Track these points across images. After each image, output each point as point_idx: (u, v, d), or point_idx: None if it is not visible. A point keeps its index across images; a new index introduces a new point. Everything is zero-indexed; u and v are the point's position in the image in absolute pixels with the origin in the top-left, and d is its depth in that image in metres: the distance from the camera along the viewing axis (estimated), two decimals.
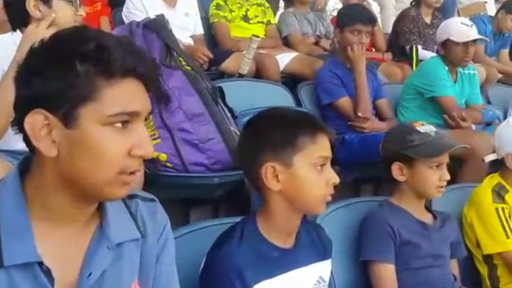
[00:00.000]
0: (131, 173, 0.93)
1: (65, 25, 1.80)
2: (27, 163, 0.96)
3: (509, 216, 2.11)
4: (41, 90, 0.88)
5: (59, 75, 0.88)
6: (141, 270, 1.06)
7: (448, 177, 1.89)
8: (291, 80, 3.58)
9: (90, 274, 0.96)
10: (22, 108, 0.90)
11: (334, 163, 1.47)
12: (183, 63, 2.38)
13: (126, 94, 0.91)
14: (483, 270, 2.16)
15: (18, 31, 2.05)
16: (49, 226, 0.94)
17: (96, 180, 0.91)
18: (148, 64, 0.94)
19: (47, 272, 0.92)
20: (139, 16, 3.12)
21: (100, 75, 0.89)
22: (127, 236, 1.03)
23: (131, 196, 1.07)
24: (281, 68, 3.63)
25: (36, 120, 0.89)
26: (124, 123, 0.91)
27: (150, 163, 2.09)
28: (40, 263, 0.91)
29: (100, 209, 1.01)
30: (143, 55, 0.94)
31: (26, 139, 0.92)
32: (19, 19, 2.05)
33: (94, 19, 3.62)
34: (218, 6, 3.83)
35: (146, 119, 0.96)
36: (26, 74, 0.91)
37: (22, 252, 0.90)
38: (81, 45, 0.89)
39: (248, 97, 2.87)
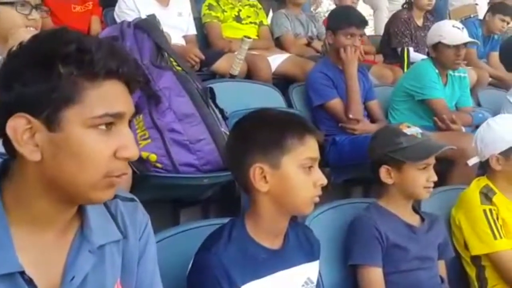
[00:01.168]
0: (117, 176, 0.92)
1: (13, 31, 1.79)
2: (4, 167, 0.95)
3: (497, 218, 2.12)
4: (22, 93, 0.87)
5: (41, 77, 0.86)
6: (123, 270, 1.06)
7: (435, 178, 1.90)
8: (282, 81, 3.57)
9: (72, 278, 0.95)
10: (3, 113, 0.88)
11: (324, 164, 1.47)
12: (174, 63, 2.38)
13: (109, 95, 0.90)
14: (471, 271, 2.17)
15: None
16: (29, 231, 0.93)
17: (82, 183, 0.90)
18: (131, 65, 0.93)
19: (29, 281, 0.90)
20: (131, 16, 3.10)
21: (83, 77, 0.88)
22: (108, 237, 1.02)
23: None
24: (273, 69, 3.63)
25: (18, 124, 0.87)
26: (108, 125, 0.90)
27: (140, 164, 2.08)
28: (22, 273, 0.90)
29: (80, 211, 1.00)
30: (125, 56, 0.93)
31: (6, 144, 0.90)
32: None
33: (85, 18, 3.60)
34: (210, 6, 3.82)
35: (130, 121, 0.94)
36: (5, 78, 0.89)
37: (2, 262, 0.88)
38: (62, 47, 0.87)
39: (239, 98, 2.85)
